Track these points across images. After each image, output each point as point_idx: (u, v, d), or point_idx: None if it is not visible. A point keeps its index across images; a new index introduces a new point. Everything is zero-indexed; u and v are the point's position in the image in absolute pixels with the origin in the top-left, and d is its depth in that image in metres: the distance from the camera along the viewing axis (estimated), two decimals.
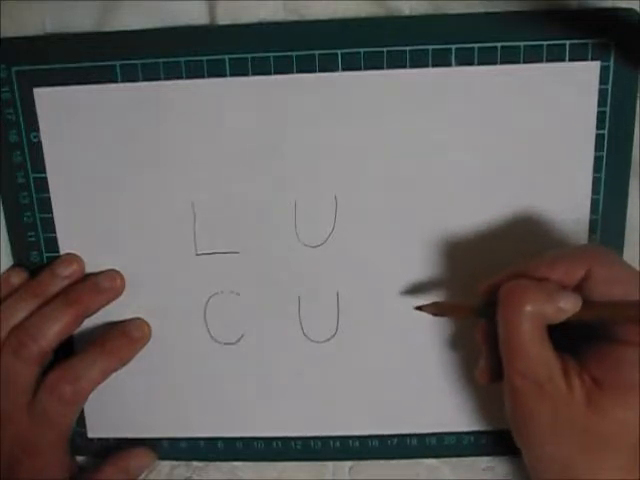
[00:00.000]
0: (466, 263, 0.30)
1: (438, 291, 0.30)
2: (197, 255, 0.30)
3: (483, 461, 0.32)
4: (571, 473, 0.24)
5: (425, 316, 0.30)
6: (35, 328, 0.29)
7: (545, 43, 0.27)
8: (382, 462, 0.32)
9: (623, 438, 0.24)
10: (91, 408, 0.32)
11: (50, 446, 0.29)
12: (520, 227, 0.29)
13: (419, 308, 0.28)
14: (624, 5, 0.27)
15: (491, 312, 0.25)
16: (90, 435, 0.33)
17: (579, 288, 0.24)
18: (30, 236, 0.31)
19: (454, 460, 0.32)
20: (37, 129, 0.29)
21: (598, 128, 0.28)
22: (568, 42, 0.27)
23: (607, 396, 0.23)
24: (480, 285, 0.27)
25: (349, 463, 0.33)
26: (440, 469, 0.32)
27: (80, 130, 0.29)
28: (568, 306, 0.24)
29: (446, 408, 0.31)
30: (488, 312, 0.25)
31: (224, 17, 0.28)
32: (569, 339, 0.25)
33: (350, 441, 0.32)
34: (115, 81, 0.29)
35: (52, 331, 0.29)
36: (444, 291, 0.30)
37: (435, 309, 0.28)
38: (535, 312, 0.23)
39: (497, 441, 0.32)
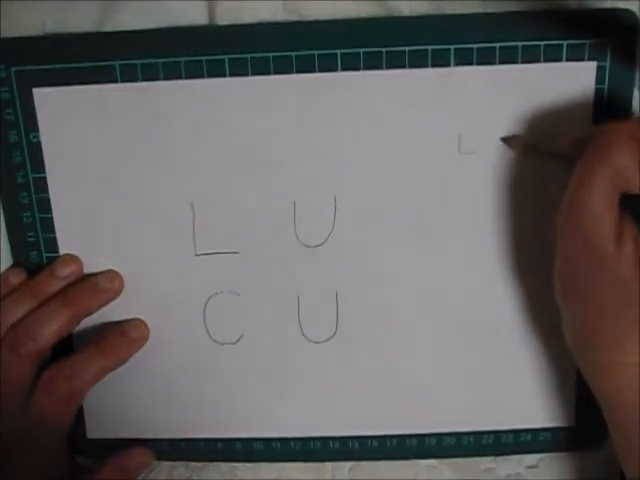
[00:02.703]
0: (465, 262, 0.30)
1: (438, 289, 0.30)
2: (197, 255, 0.30)
3: (483, 462, 0.32)
4: (598, 338, 0.24)
5: (424, 315, 0.30)
6: (33, 327, 0.29)
7: (543, 43, 0.28)
8: (382, 462, 0.32)
9: None
10: (90, 408, 0.32)
11: (47, 444, 0.29)
12: (522, 221, 0.29)
13: (505, 140, 0.28)
14: (622, 6, 0.27)
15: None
16: (89, 436, 0.32)
17: None
18: (30, 236, 0.31)
19: (454, 461, 0.32)
20: (37, 129, 0.29)
21: None
22: (565, 42, 0.28)
23: None
24: (563, 137, 0.26)
25: (348, 463, 0.33)
26: (440, 469, 0.32)
27: (80, 130, 0.29)
28: None
29: (446, 408, 0.31)
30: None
31: (224, 17, 0.28)
32: None
33: (350, 441, 0.32)
34: (115, 81, 0.29)
35: (50, 330, 0.29)
36: (444, 289, 0.30)
37: (524, 147, 0.28)
38: (615, 173, 0.23)
39: (498, 441, 0.32)
